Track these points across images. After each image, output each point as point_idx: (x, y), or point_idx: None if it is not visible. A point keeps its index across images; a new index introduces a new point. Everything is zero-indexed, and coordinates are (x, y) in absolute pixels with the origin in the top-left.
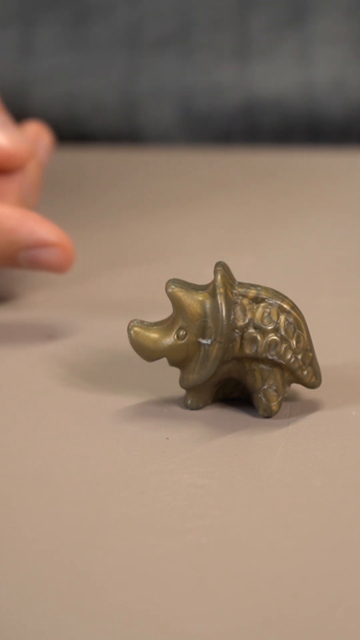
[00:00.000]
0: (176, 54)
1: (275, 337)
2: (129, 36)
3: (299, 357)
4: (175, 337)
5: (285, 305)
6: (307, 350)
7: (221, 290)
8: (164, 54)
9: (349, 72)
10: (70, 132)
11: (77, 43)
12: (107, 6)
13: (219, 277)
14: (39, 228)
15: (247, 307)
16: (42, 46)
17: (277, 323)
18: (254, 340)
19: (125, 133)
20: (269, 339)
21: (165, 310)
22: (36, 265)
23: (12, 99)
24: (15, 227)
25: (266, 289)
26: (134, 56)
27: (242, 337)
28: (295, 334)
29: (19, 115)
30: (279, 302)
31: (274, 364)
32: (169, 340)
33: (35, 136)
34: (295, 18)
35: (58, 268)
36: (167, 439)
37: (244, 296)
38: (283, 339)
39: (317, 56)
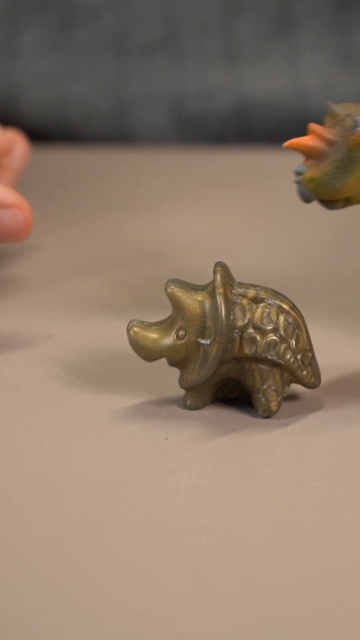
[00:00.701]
0: (165, 59)
1: (274, 337)
2: (116, 41)
3: (298, 357)
4: (175, 337)
5: (284, 306)
6: (307, 350)
7: (220, 290)
8: (152, 58)
9: (335, 80)
10: (62, 138)
11: (63, 47)
12: (92, 11)
13: (218, 277)
14: None
15: (247, 307)
16: (28, 50)
17: (277, 323)
18: (253, 340)
19: (118, 138)
20: (269, 339)
21: (164, 311)
22: None
23: (0, 104)
24: None
25: (265, 289)
26: (122, 61)
27: (241, 337)
28: (294, 334)
29: (7, 121)
30: (278, 302)
31: (273, 364)
32: (169, 340)
33: (9, 143)
34: (281, 26)
35: (16, 232)
36: (167, 439)
37: (243, 296)
38: (282, 339)
39: (304, 63)
